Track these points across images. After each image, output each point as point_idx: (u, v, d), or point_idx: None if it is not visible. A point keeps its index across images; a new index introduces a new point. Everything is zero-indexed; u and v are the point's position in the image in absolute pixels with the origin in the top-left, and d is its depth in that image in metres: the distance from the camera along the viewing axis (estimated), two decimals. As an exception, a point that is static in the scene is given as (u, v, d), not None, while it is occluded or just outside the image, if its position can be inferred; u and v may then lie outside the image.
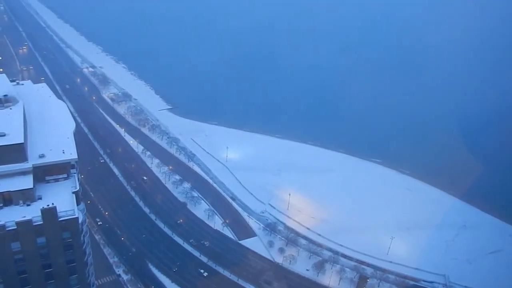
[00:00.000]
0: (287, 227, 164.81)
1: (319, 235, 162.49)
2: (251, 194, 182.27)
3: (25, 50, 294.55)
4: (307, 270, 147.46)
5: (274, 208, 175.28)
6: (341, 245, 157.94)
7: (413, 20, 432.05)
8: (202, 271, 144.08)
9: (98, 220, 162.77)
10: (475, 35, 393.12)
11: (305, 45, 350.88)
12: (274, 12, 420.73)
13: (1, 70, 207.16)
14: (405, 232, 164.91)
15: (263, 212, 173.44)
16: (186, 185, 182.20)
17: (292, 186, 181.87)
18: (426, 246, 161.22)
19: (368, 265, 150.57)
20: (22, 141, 71.68)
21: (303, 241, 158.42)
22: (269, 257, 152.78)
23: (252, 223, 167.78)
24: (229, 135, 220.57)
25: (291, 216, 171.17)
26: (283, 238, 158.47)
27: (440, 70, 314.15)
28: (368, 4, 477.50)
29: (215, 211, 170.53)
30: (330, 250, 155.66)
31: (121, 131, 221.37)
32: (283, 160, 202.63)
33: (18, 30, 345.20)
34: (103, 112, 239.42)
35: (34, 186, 70.55)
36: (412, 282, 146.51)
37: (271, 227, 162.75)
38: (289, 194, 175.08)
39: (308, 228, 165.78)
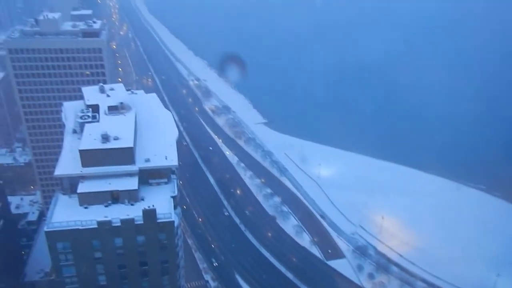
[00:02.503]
0: (378, 252, 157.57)
1: (413, 263, 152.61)
2: (342, 213, 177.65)
3: (149, 77, 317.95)
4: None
5: (365, 230, 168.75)
6: (438, 277, 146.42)
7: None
8: None
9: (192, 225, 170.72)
10: None
11: (405, 66, 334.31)
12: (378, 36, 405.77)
13: (120, 80, 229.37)
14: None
15: (353, 234, 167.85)
16: (277, 199, 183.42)
17: (385, 209, 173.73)
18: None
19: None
20: (132, 145, 77.99)
21: (395, 269, 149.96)
22: (357, 282, 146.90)
23: (341, 243, 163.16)
24: (323, 152, 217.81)
25: (383, 240, 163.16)
26: (373, 263, 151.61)
27: None
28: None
29: (304, 228, 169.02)
30: (424, 281, 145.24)
31: (219, 141, 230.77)
32: (376, 181, 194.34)
33: (137, 45, 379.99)
34: (203, 123, 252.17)
35: (138, 188, 76.23)
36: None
37: (361, 250, 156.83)
38: (382, 217, 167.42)
39: (401, 255, 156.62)
